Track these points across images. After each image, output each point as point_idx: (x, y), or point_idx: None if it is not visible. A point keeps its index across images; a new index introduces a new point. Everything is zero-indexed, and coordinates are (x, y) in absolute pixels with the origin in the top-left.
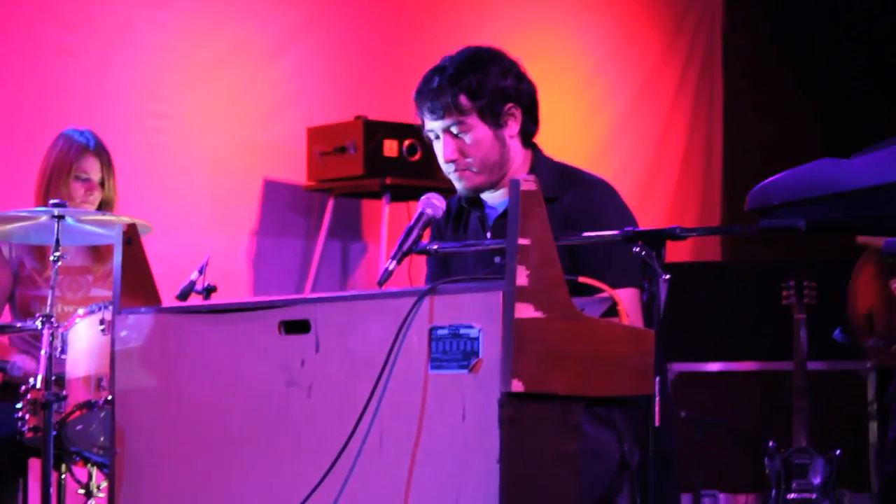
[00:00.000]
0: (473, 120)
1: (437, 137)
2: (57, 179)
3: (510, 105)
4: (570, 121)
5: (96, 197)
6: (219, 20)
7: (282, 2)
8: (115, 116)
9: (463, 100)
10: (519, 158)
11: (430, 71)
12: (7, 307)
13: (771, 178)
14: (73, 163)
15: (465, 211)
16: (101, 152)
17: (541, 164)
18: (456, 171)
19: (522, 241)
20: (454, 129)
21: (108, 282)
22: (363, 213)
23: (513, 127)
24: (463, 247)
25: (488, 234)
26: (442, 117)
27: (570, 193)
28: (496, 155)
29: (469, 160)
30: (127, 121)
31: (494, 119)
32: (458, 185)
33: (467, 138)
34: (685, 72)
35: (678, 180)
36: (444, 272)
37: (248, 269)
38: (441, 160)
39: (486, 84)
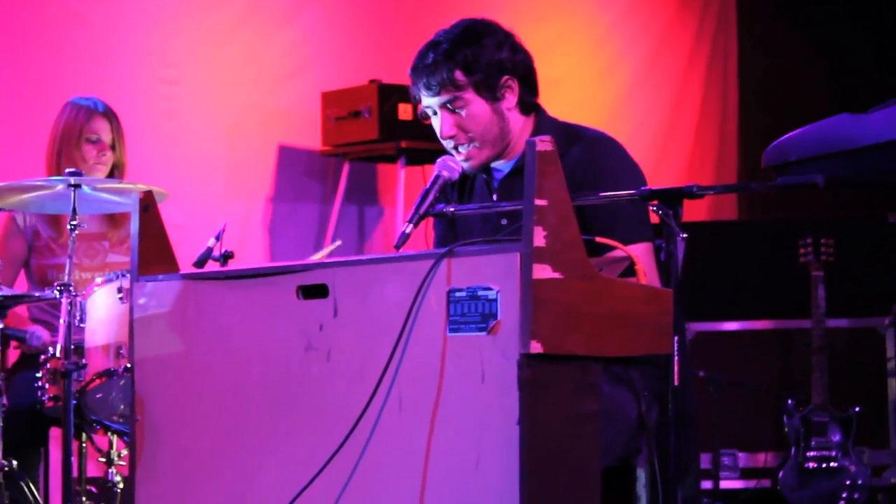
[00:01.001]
0: (470, 95)
1: (435, 113)
2: (68, 144)
3: (506, 77)
4: (585, 80)
5: (108, 158)
6: None
7: None
8: (128, 83)
9: (458, 75)
10: (518, 127)
11: (424, 46)
12: (24, 276)
13: (788, 135)
14: (83, 126)
15: (469, 175)
16: (110, 114)
17: (544, 126)
18: (456, 147)
19: (539, 202)
20: (451, 105)
21: (123, 247)
22: (378, 177)
23: (510, 99)
24: (479, 208)
25: (494, 197)
26: (438, 93)
27: (575, 150)
28: (496, 129)
29: (470, 134)
30: (139, 87)
31: (491, 93)
32: (465, 166)
33: (464, 113)
34: (700, 29)
35: (694, 138)
36: (451, 236)
37: (265, 235)
38: (439, 136)
39: (481, 57)
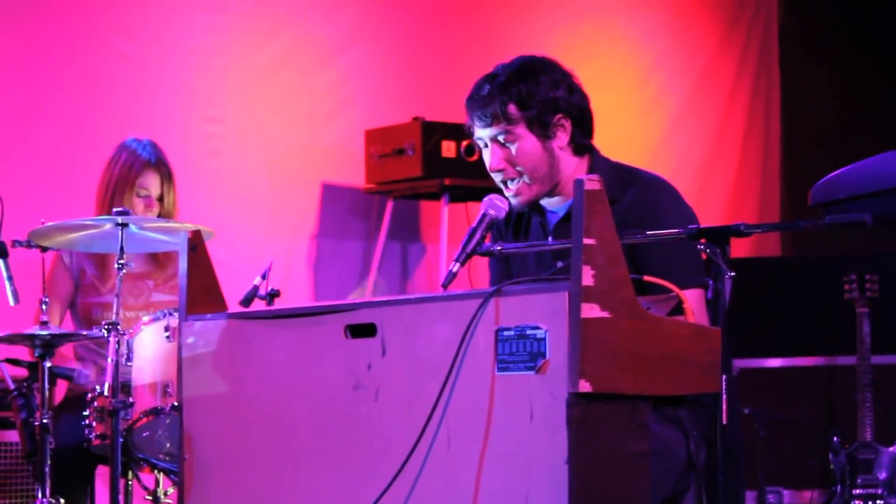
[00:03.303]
0: (521, 130)
1: (486, 146)
2: (120, 192)
3: (559, 116)
4: (628, 117)
5: (155, 212)
6: (275, 24)
7: (337, 4)
8: (173, 122)
9: (511, 109)
10: (571, 167)
11: (482, 78)
12: (69, 315)
13: (835, 172)
14: (135, 178)
15: (524, 216)
16: (162, 167)
17: (598, 167)
18: (504, 180)
19: (587, 241)
20: (501, 138)
21: (168, 286)
22: (422, 215)
23: (562, 138)
24: (526, 247)
25: (549, 240)
26: (489, 125)
27: (629, 194)
28: (545, 166)
29: (518, 169)
30: (185, 126)
31: (543, 130)
32: (513, 202)
33: (514, 148)
34: (742, 64)
35: (736, 174)
36: (506, 277)
37: (309, 273)
38: (488, 169)
39: (536, 94)
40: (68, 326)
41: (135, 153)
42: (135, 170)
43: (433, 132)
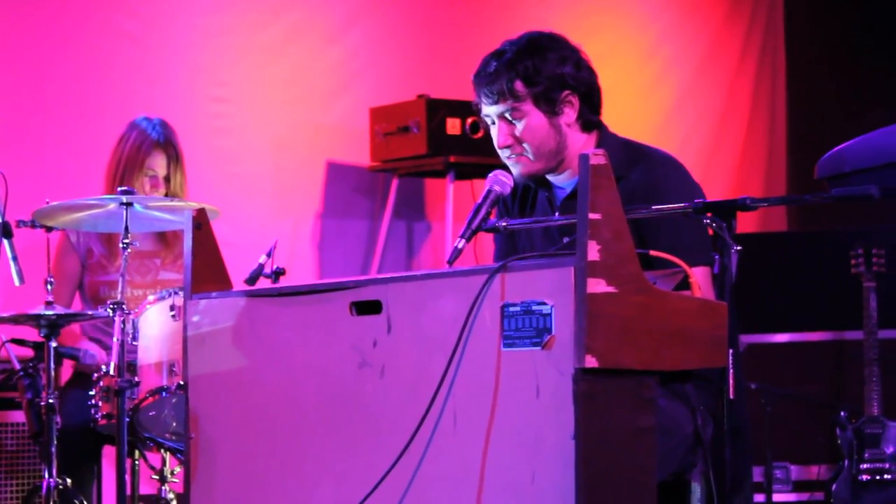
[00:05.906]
0: (528, 106)
1: (493, 122)
2: (130, 172)
3: (567, 93)
4: (633, 93)
5: (161, 193)
6: (279, 3)
7: None
8: (178, 101)
9: (518, 86)
10: (579, 143)
11: (489, 55)
12: (77, 294)
13: (841, 146)
14: (144, 158)
15: (531, 190)
16: (170, 147)
17: (606, 144)
18: (511, 156)
19: (593, 216)
20: (508, 115)
21: (176, 265)
22: (427, 193)
23: (569, 114)
24: (532, 223)
25: (556, 215)
26: (496, 102)
27: (636, 171)
28: (552, 143)
29: (525, 146)
30: (190, 105)
31: (550, 106)
32: (515, 171)
33: (521, 125)
34: (748, 40)
35: (742, 149)
36: (511, 251)
37: (314, 252)
38: (496, 146)
39: (543, 70)
40: (77, 306)
41: (144, 133)
42: (143, 150)
43: (438, 109)
